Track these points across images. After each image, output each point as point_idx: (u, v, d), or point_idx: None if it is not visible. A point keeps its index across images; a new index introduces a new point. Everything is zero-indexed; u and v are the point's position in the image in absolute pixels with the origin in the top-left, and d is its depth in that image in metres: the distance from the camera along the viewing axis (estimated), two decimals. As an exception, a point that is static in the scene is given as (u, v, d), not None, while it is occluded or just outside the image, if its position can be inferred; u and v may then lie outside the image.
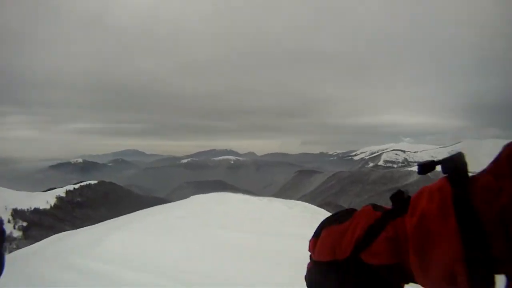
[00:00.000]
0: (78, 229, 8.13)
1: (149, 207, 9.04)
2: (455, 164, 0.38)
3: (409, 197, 0.41)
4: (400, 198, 0.41)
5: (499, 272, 0.36)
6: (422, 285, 0.40)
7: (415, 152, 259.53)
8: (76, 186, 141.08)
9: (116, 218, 8.06)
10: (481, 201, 0.35)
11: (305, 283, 0.51)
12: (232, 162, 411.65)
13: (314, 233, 0.50)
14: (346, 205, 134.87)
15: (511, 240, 0.34)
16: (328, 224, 0.47)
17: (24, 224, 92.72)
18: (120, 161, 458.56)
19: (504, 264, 0.35)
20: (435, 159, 0.41)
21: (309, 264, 0.51)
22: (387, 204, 0.38)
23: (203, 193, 10.62)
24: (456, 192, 0.36)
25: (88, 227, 7.35)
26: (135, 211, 8.79)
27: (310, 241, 0.50)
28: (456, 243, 0.35)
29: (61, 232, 7.59)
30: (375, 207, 0.44)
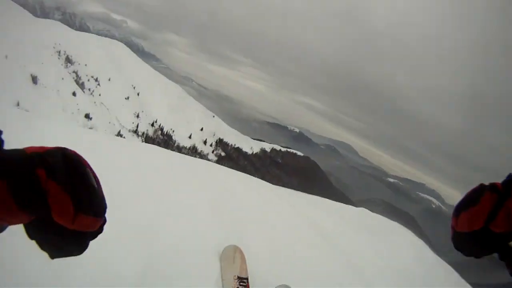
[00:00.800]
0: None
1: (331, 199, 9.87)
2: None
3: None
4: (508, 185, 0.62)
5: None
6: None
7: None
8: (283, 149, 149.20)
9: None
10: None
11: None
12: (434, 206, 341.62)
13: (455, 213, 0.71)
14: None
15: None
16: (464, 208, 0.68)
17: (223, 154, 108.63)
18: (332, 148, 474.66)
19: None
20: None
21: (453, 233, 0.74)
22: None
23: (389, 218, 10.06)
24: None
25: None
26: (319, 195, 10.09)
27: (452, 219, 0.72)
28: None
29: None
30: (492, 190, 0.64)
